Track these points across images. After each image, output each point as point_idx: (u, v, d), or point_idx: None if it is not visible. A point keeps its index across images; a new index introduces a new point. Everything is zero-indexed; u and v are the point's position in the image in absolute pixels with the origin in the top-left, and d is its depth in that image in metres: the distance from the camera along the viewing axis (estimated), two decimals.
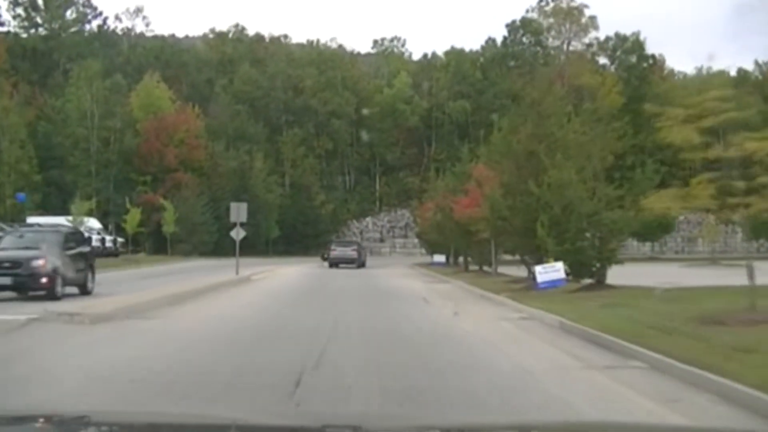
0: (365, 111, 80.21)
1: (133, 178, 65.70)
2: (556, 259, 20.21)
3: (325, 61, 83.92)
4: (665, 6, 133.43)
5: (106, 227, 52.94)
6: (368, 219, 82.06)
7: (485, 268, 34.97)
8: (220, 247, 62.56)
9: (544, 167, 21.11)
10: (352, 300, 20.75)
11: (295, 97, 78.44)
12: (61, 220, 45.31)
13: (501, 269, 32.97)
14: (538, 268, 20.80)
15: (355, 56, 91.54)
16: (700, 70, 60.64)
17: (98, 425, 2.98)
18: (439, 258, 40.24)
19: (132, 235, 55.56)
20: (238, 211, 30.20)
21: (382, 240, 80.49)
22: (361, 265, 47.21)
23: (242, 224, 32.76)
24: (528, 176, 21.99)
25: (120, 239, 53.11)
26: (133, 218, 48.38)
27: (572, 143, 22.99)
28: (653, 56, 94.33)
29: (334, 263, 46.74)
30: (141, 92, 69.04)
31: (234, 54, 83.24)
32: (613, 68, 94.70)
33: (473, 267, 37.23)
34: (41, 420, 2.99)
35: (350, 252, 48.68)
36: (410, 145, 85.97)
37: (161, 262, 48.16)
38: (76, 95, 66.29)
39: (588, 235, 20.67)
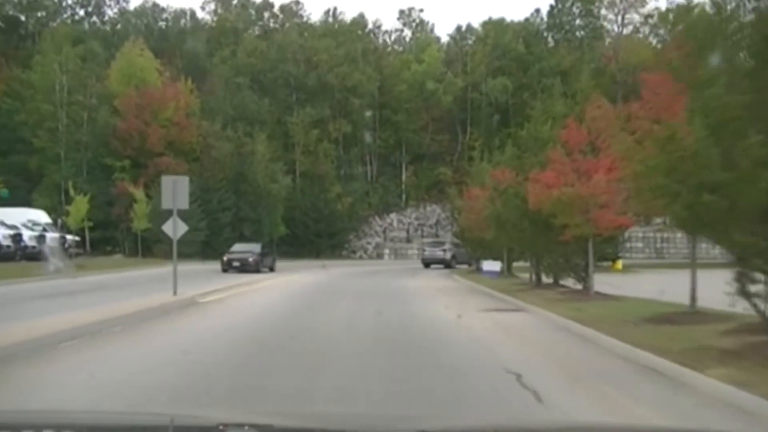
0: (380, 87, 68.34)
1: (108, 164, 54.36)
2: None
3: (344, 31, 72.17)
4: None
5: (55, 222, 41.53)
6: (392, 215, 70.14)
7: (562, 281, 23.00)
8: (210, 247, 51.12)
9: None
10: (366, 382, 8.68)
11: (308, 71, 66.74)
12: None
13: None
14: None
15: (378, 28, 79.67)
16: None
17: (99, 425, 2.91)
18: (492, 266, 28.23)
19: (81, 230, 44.32)
20: (174, 191, 18.18)
21: (408, 240, 68.51)
22: (448, 266, 45.27)
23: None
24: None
25: (73, 237, 41.64)
26: (78, 209, 36.82)
27: None
28: None
29: (427, 264, 47.35)
30: (121, 62, 57.61)
31: (237, 22, 71.61)
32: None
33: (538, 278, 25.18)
34: (41, 420, 2.87)
35: (439, 252, 49.23)
36: (442, 130, 74.06)
37: (118, 268, 36.70)
38: (41, 64, 55.15)
39: None
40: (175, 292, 18.25)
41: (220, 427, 2.93)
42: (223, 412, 4.96)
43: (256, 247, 40.22)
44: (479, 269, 38.87)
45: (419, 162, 73.15)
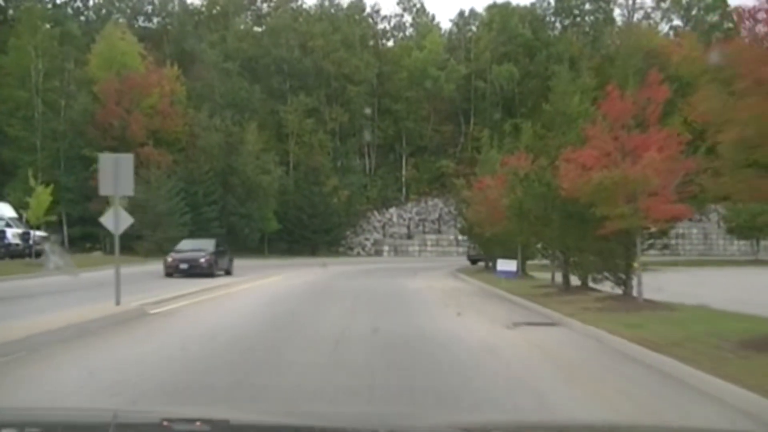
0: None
1: (87, 155, 50.40)
2: None
3: (340, 15, 68.31)
4: None
5: (20, 216, 37.70)
6: (392, 210, 66.35)
7: (592, 283, 19.21)
8: None
9: None
10: None
11: (303, 57, 62.83)
12: None
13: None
14: None
15: (376, 12, 75.72)
16: None
17: (98, 425, 2.89)
18: (508, 265, 24.39)
19: (59, 225, 40.49)
20: (116, 173, 14.18)
21: (409, 236, 64.73)
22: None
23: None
24: None
25: (40, 233, 37.80)
26: (39, 203, 32.95)
27: None
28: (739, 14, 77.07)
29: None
30: (102, 45, 53.74)
31: (228, 5, 67.68)
32: (688, 29, 78.34)
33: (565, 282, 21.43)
34: (40, 420, 2.90)
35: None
36: (444, 120, 70.23)
37: (91, 267, 32.87)
38: (15, 47, 51.27)
39: None
40: (117, 302, 14.43)
41: (220, 426, 2.90)
42: (223, 411, 4.81)
43: (208, 245, 31.70)
44: (488, 267, 35.16)
45: (420, 154, 69.34)
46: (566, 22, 77.75)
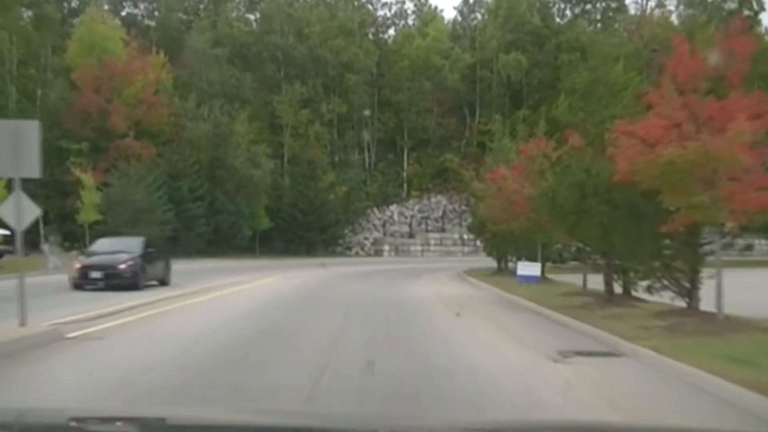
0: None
1: (63, 147, 46.70)
2: None
3: (338, 1, 64.51)
4: None
5: None
6: (393, 207, 62.59)
7: (635, 292, 15.54)
8: (178, 244, 43.61)
9: None
10: None
11: (298, 44, 59.04)
12: None
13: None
14: None
15: None
16: None
17: (98, 425, 2.92)
18: (530, 269, 20.56)
19: (35, 224, 36.55)
20: (16, 145, 10.26)
21: (411, 235, 60.94)
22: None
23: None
24: None
25: (3, 231, 33.99)
26: None
27: None
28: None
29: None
30: (81, 29, 50.00)
31: None
32: (703, 18, 74.50)
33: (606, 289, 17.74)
34: (41, 420, 2.93)
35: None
36: (448, 112, 66.46)
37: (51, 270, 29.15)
38: None
39: None
40: (23, 322, 10.67)
41: (219, 425, 2.89)
42: (220, 411, 4.71)
43: (134, 245, 22.22)
44: (501, 269, 31.43)
45: (423, 148, 65.54)
46: (576, 9, 73.97)
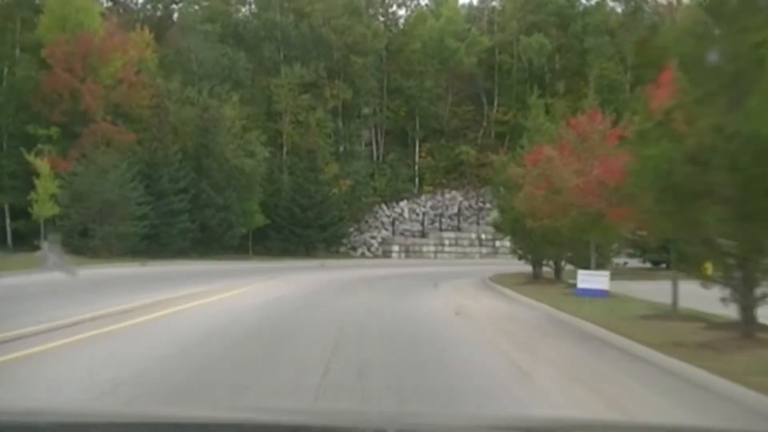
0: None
1: (31, 132, 41.16)
2: None
3: None
4: None
5: None
6: (403, 203, 56.81)
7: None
8: (157, 242, 38.11)
9: None
10: None
11: (299, 22, 53.34)
12: None
13: None
14: None
15: None
16: None
17: (99, 425, 2.83)
18: (595, 281, 14.82)
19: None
20: None
21: (423, 234, 55.14)
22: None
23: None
24: None
25: None
26: None
27: None
28: None
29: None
30: (53, 0, 44.40)
31: None
32: None
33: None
34: (41, 420, 2.82)
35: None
36: (464, 100, 60.73)
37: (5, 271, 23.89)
38: None
39: None
40: None
41: (218, 425, 2.89)
42: (220, 410, 4.68)
43: None
44: (537, 277, 25.68)
45: (436, 138, 59.74)
46: None
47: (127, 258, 34.98)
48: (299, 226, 46.44)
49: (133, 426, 2.81)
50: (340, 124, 54.70)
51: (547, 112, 46.01)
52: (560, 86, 58.66)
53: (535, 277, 25.11)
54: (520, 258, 27.23)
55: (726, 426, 6.19)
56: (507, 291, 21.91)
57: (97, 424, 2.82)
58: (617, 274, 24.95)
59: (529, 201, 19.89)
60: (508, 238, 30.31)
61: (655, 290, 19.15)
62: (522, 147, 24.98)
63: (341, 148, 54.43)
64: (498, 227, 29.93)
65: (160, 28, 51.74)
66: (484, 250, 54.29)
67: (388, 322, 13.83)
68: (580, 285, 15.16)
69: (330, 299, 18.95)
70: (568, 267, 24.01)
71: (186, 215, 39.58)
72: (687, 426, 5.17)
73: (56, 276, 23.87)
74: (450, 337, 11.98)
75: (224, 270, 33.12)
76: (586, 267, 20.97)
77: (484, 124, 60.97)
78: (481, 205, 57.63)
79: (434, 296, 20.71)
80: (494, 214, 31.53)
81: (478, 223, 55.72)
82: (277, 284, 24.74)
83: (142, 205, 37.06)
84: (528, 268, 28.45)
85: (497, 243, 54.20)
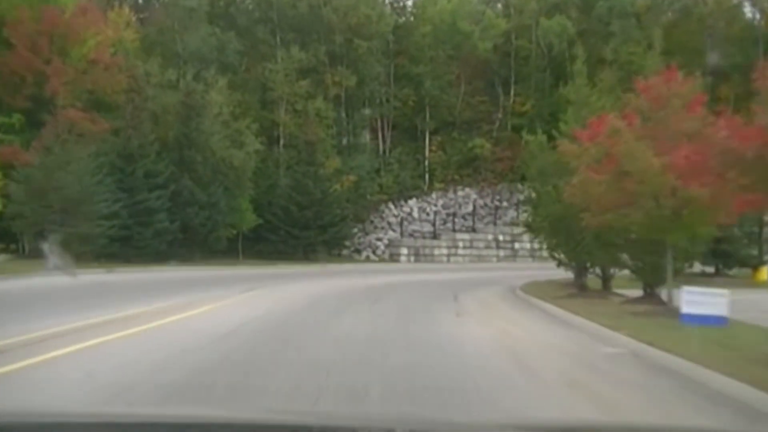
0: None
1: None
2: None
3: None
4: None
5: None
6: (412, 202, 51.69)
7: None
8: (130, 245, 33.12)
9: None
10: None
11: (297, 2, 48.35)
12: None
13: None
14: None
15: None
16: None
17: (99, 425, 2.80)
18: (709, 303, 9.81)
19: None
20: None
21: (435, 235, 50.01)
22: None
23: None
24: None
25: None
26: None
27: None
28: None
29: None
30: None
31: None
32: None
33: None
34: (41, 421, 2.82)
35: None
36: (478, 89, 55.66)
37: None
38: None
39: None
40: None
41: (218, 425, 2.85)
42: (219, 410, 4.66)
43: None
44: (583, 288, 20.56)
45: (447, 131, 54.58)
46: None
47: (94, 263, 30.07)
48: (296, 226, 41.36)
49: (133, 426, 2.75)
50: (343, 114, 49.64)
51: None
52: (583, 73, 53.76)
53: (581, 289, 19.94)
54: (559, 264, 22.10)
55: (726, 426, 5.96)
56: (551, 308, 16.77)
57: (97, 424, 2.77)
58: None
59: (586, 189, 14.77)
60: (539, 239, 25.14)
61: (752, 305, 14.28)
62: (565, 123, 19.75)
63: (344, 141, 49.40)
64: (530, 227, 24.69)
65: (144, 8, 46.96)
66: (501, 252, 49.22)
67: (395, 374, 8.74)
68: (687, 309, 10.07)
69: (317, 324, 13.89)
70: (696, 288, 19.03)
71: (164, 214, 34.55)
72: (687, 426, 5.31)
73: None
74: (504, 407, 6.93)
75: (202, 278, 28.10)
76: (655, 275, 15.96)
77: (500, 115, 55.87)
78: (497, 203, 52.60)
79: (457, 316, 15.64)
80: (529, 210, 26.05)
81: (494, 223, 50.66)
82: (259, 298, 19.75)
83: (111, 203, 32.09)
84: (559, 274, 23.70)
85: (516, 245, 49.26)
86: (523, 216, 28.31)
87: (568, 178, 16.64)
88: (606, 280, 20.92)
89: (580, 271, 20.30)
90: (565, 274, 25.29)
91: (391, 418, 3.37)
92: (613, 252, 18.01)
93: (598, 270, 21.04)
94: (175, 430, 2.67)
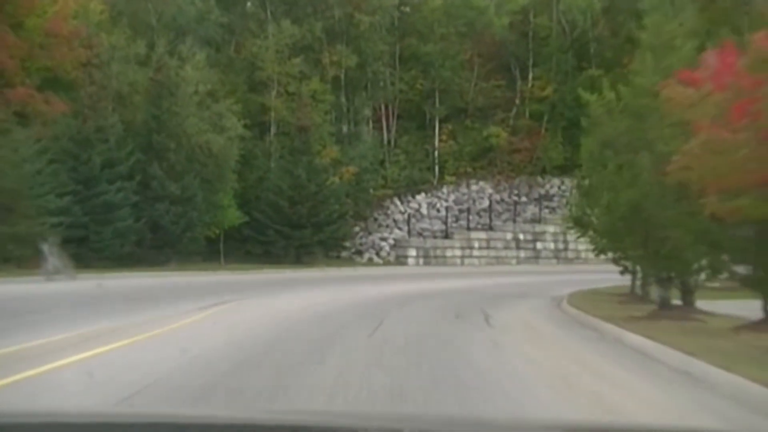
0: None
1: None
2: None
3: None
4: None
5: None
6: (420, 197, 46.19)
7: None
8: (88, 246, 27.60)
9: None
10: None
11: None
12: None
13: None
14: None
15: None
16: None
17: (99, 425, 2.70)
18: None
19: None
20: None
21: (447, 235, 44.50)
22: None
23: None
24: None
25: None
26: None
27: None
28: None
29: None
30: None
31: None
32: None
33: None
34: (41, 421, 2.72)
35: None
36: (493, 73, 50.17)
37: None
38: None
39: None
40: None
41: (218, 425, 2.78)
42: (220, 410, 4.63)
43: None
44: (667, 305, 14.99)
45: (459, 118, 49.17)
46: None
47: (25, 270, 24.75)
48: (287, 225, 35.87)
49: (133, 426, 2.72)
50: (342, 98, 44.14)
51: (593, 84, 35.63)
52: (607, 55, 48.61)
53: (662, 307, 14.39)
54: (623, 272, 16.61)
55: (726, 426, 5.92)
56: (638, 341, 11.13)
57: (97, 424, 2.73)
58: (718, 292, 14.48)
59: (709, 159, 9.25)
60: (591, 239, 19.56)
61: None
62: (642, 76, 14.22)
63: (344, 129, 43.94)
64: (579, 222, 19.07)
65: None
66: (522, 253, 43.76)
67: None
68: None
69: (285, 373, 8.34)
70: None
71: (127, 210, 29.16)
72: (687, 426, 5.38)
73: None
74: None
75: (164, 287, 22.64)
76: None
77: (517, 101, 50.39)
78: (515, 198, 47.15)
79: (500, 354, 10.14)
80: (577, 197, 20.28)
81: (514, 221, 45.21)
82: (223, 320, 14.31)
83: (60, 197, 26.64)
84: (600, 280, 18.53)
85: (538, 245, 43.91)
86: (551, 213, 22.71)
87: (660, 147, 11.09)
88: (688, 292, 15.40)
89: (662, 282, 14.75)
90: (612, 281, 20.03)
91: (392, 418, 3.23)
92: (718, 255, 12.50)
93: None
94: (175, 430, 2.57)
